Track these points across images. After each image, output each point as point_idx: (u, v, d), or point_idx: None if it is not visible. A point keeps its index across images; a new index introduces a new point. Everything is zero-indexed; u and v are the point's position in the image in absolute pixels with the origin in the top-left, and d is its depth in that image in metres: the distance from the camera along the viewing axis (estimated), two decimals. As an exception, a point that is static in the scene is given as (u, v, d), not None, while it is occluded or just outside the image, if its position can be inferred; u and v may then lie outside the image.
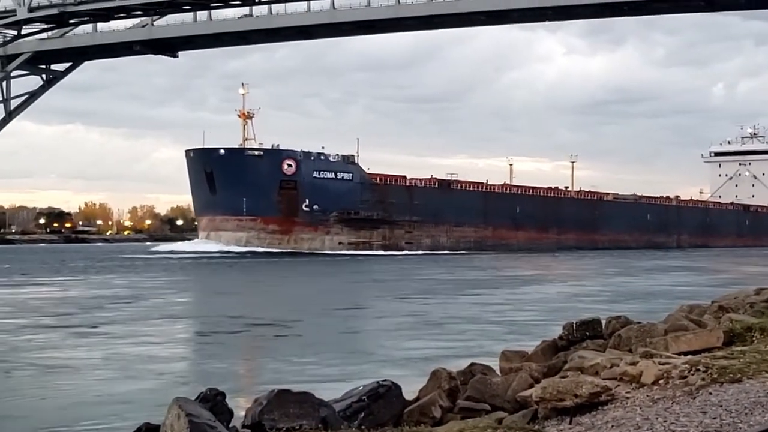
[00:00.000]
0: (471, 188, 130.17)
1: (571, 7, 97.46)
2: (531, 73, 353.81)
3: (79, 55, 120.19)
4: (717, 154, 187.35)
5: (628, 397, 8.31)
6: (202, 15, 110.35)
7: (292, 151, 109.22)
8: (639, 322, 10.14)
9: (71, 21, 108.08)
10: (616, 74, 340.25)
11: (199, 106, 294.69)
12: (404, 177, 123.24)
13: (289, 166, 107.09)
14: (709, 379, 8.34)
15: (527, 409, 8.15)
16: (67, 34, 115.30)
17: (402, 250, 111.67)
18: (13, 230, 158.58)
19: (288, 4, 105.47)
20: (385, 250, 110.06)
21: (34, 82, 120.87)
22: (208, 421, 6.70)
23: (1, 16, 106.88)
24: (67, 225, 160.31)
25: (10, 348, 19.01)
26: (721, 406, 7.70)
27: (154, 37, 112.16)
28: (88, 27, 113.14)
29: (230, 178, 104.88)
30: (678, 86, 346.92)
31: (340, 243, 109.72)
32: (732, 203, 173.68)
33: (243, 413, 7.91)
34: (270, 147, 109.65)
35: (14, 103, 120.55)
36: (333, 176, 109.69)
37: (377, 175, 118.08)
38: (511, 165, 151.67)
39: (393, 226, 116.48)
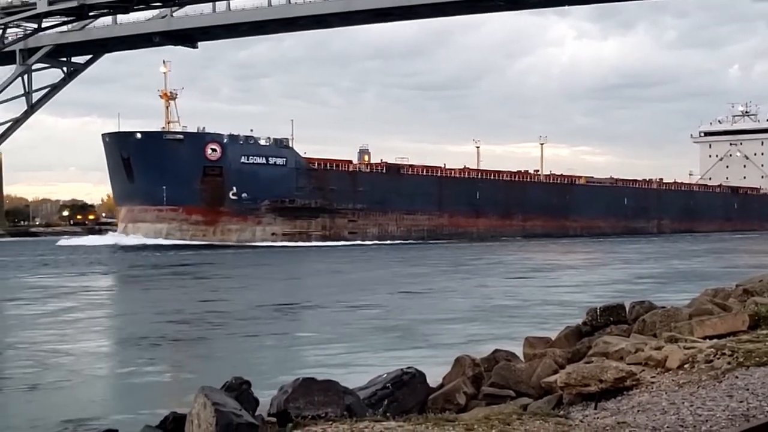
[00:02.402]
0: (424, 173, 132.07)
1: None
2: (543, 58, 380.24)
3: (99, 47, 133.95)
4: (707, 134, 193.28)
5: (653, 382, 9.32)
6: (220, 5, 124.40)
7: (217, 134, 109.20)
8: (663, 307, 11.23)
9: (91, 13, 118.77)
10: (629, 58, 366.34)
11: (211, 96, 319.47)
12: (349, 161, 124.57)
13: (214, 150, 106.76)
14: (735, 363, 9.41)
15: (552, 395, 9.14)
16: (87, 27, 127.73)
17: (345, 241, 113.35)
18: (37, 222, 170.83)
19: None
20: (325, 241, 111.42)
21: (55, 74, 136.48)
22: (234, 410, 7.48)
23: (22, 10, 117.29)
24: (91, 217, 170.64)
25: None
26: (747, 389, 8.69)
27: (173, 29, 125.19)
28: (108, 19, 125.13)
29: (149, 165, 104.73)
30: (692, 69, 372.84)
31: (273, 234, 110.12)
32: (720, 185, 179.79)
33: (269, 401, 8.69)
34: (196, 131, 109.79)
35: (36, 96, 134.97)
36: (264, 161, 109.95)
37: (315, 159, 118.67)
38: (477, 147, 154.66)
39: (334, 214, 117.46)
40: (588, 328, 11.45)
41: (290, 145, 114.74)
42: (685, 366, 9.48)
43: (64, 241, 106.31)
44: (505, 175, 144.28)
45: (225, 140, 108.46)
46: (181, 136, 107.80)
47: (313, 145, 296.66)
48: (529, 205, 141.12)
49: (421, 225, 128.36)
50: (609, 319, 11.31)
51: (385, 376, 9.47)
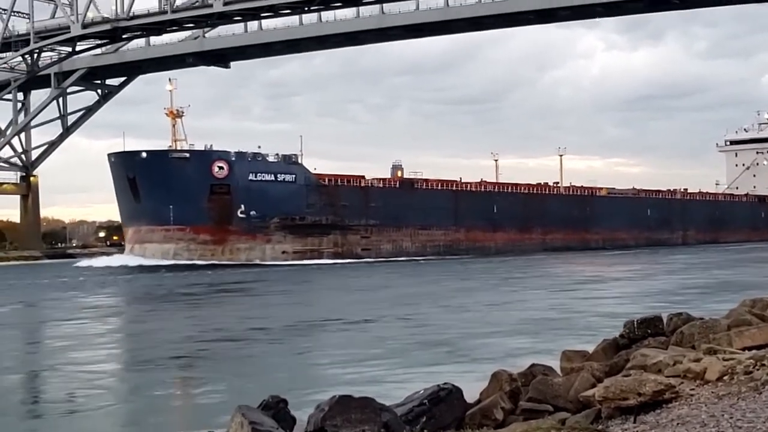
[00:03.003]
0: (439, 187, 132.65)
1: (621, 3, 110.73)
2: (573, 70, 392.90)
3: (132, 69, 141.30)
4: (733, 142, 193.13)
5: (692, 395, 9.52)
6: (252, 25, 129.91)
7: (224, 151, 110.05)
8: (701, 318, 11.47)
9: (124, 36, 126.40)
10: (659, 69, 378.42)
11: (243, 115, 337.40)
12: (362, 177, 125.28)
13: (220, 168, 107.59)
14: (774, 374, 9.62)
15: (590, 409, 9.37)
16: (121, 49, 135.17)
17: (358, 258, 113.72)
18: (74, 244, 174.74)
19: (336, 12, 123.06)
20: (337, 258, 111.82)
21: (90, 97, 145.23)
22: (270, 429, 7.79)
23: (56, 33, 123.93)
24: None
25: None
26: (787, 400, 8.89)
27: (206, 49, 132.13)
28: (141, 41, 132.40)
29: (154, 184, 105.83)
30: (723, 78, 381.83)
31: (283, 252, 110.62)
32: (747, 195, 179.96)
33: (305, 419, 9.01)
34: (204, 149, 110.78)
35: (71, 119, 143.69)
36: (272, 178, 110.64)
37: (325, 175, 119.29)
38: (496, 161, 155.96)
39: (346, 231, 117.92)
40: (625, 341, 11.69)
41: (299, 161, 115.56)
42: (725, 378, 9.66)
43: (82, 263, 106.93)
44: (523, 187, 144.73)
45: (232, 157, 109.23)
46: (187, 155, 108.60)
47: (346, 161, 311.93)
48: (549, 217, 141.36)
49: (437, 240, 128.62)
50: (647, 331, 11.56)
51: (421, 392, 9.73)
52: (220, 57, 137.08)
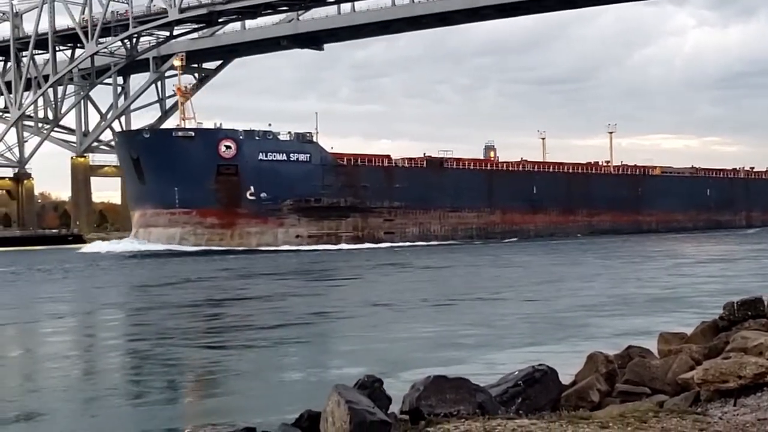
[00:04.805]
0: (472, 166, 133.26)
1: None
2: (664, 48, 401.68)
3: (228, 52, 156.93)
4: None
5: (795, 378, 10.18)
6: (345, 7, 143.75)
7: (231, 130, 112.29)
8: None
9: (220, 20, 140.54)
10: (753, 45, 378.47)
11: (331, 97, 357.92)
12: (386, 156, 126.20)
13: (228, 147, 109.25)
14: None
15: (689, 392, 10.13)
16: (217, 33, 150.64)
17: (380, 242, 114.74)
18: None
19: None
20: (356, 243, 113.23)
21: (187, 81, 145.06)
22: (367, 408, 8.55)
23: (154, 18, 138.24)
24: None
25: None
26: None
27: (300, 32, 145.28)
28: (237, 25, 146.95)
29: (159, 165, 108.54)
30: None
31: (297, 236, 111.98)
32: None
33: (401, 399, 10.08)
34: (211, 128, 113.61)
35: (169, 103, 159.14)
36: (284, 158, 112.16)
37: (344, 155, 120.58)
38: (543, 139, 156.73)
39: (367, 214, 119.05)
40: (725, 323, 12.32)
41: (314, 140, 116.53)
42: (828, 360, 10.29)
43: (86, 248, 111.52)
44: (567, 166, 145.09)
45: (240, 136, 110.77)
46: (192, 133, 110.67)
47: (434, 142, 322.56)
48: (596, 198, 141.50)
49: (469, 223, 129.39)
50: (747, 313, 12.18)
51: (516, 373, 10.50)
52: (313, 39, 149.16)
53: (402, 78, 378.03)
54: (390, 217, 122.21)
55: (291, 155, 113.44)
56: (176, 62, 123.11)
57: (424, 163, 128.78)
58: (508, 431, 8.61)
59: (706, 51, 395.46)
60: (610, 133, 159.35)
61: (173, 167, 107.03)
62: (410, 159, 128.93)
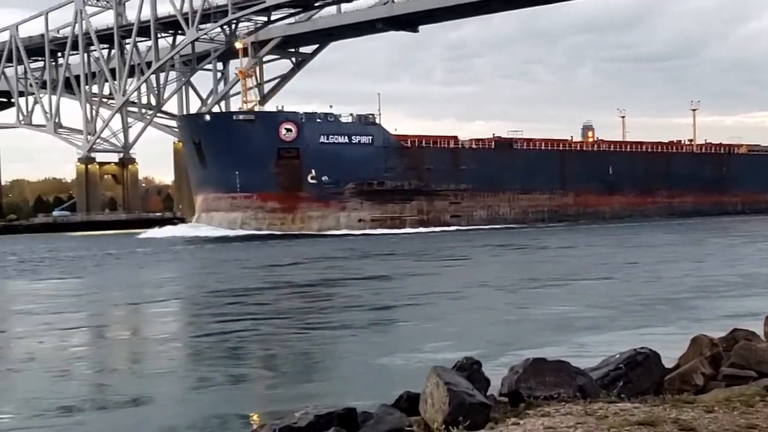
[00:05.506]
0: (543, 146, 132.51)
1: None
2: None
3: (324, 36, 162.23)
4: None
5: None
6: None
7: (292, 112, 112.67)
8: None
9: (316, 3, 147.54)
10: None
11: (425, 79, 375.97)
12: (454, 137, 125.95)
13: (288, 130, 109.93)
14: None
15: (797, 376, 10.02)
16: (313, 17, 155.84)
17: (446, 226, 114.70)
18: None
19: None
20: (421, 227, 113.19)
21: (284, 65, 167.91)
22: (466, 390, 8.77)
23: (252, 4, 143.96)
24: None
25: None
26: None
27: (396, 14, 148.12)
28: (333, 9, 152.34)
29: (220, 149, 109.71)
30: None
31: (360, 220, 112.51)
32: None
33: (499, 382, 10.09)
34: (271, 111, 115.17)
35: (267, 87, 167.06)
36: (346, 140, 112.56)
37: (408, 136, 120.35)
38: (623, 117, 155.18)
39: (432, 196, 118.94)
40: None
41: (377, 122, 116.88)
42: None
43: (148, 233, 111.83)
44: (646, 146, 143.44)
45: (301, 119, 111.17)
46: (252, 116, 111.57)
47: (528, 123, 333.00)
48: (676, 179, 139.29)
49: (541, 205, 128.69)
50: None
51: (617, 356, 10.55)
52: (409, 21, 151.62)
53: (495, 58, 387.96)
54: (456, 200, 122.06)
55: (353, 137, 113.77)
56: (238, 45, 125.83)
57: (493, 144, 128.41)
58: (610, 415, 8.70)
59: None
60: (693, 110, 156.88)
61: (234, 151, 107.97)
62: (478, 140, 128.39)
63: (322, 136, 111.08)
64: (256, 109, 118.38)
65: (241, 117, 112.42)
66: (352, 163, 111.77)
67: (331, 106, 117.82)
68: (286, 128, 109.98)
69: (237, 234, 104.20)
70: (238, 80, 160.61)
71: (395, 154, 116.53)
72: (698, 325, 19.39)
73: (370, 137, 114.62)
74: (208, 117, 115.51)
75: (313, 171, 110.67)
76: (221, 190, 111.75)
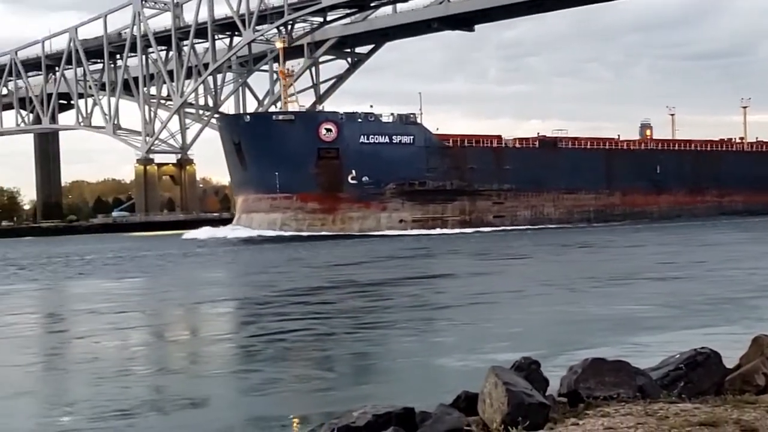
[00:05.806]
0: (589, 145, 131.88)
1: None
2: None
3: (380, 36, 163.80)
4: None
5: None
6: None
7: (332, 113, 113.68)
8: None
9: (372, 4, 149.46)
10: None
11: (479, 78, 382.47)
12: (497, 137, 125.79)
13: (328, 131, 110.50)
14: None
15: None
16: (369, 17, 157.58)
17: (489, 226, 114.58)
18: None
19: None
20: (464, 227, 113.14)
21: (340, 66, 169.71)
22: (524, 390, 8.89)
23: (308, 5, 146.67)
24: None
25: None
26: None
27: (451, 13, 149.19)
28: (388, 9, 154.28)
29: (260, 150, 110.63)
30: None
31: (401, 221, 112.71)
32: None
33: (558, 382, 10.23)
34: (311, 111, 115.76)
35: (323, 87, 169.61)
36: (387, 140, 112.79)
37: (450, 136, 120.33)
38: (672, 115, 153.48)
39: (475, 197, 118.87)
40: None
41: (418, 121, 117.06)
42: None
43: (190, 234, 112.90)
44: (696, 144, 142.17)
45: (341, 119, 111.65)
46: (292, 117, 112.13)
47: (585, 122, 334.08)
48: (726, 177, 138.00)
49: (586, 205, 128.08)
50: None
51: (677, 356, 10.63)
52: (465, 21, 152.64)
53: (551, 57, 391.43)
54: (499, 200, 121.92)
55: (393, 137, 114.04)
56: (278, 44, 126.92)
57: (537, 143, 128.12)
58: (670, 415, 8.77)
59: None
60: (744, 107, 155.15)
61: (274, 151, 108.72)
62: (522, 139, 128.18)
63: (362, 136, 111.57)
64: (296, 109, 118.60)
65: (280, 117, 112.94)
66: (392, 163, 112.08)
67: (371, 106, 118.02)
68: (326, 128, 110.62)
69: (277, 234, 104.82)
70: (295, 80, 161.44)
71: (437, 153, 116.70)
72: (761, 325, 19.26)
73: (411, 137, 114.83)
74: (247, 117, 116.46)
75: (353, 171, 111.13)
76: (261, 191, 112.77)
